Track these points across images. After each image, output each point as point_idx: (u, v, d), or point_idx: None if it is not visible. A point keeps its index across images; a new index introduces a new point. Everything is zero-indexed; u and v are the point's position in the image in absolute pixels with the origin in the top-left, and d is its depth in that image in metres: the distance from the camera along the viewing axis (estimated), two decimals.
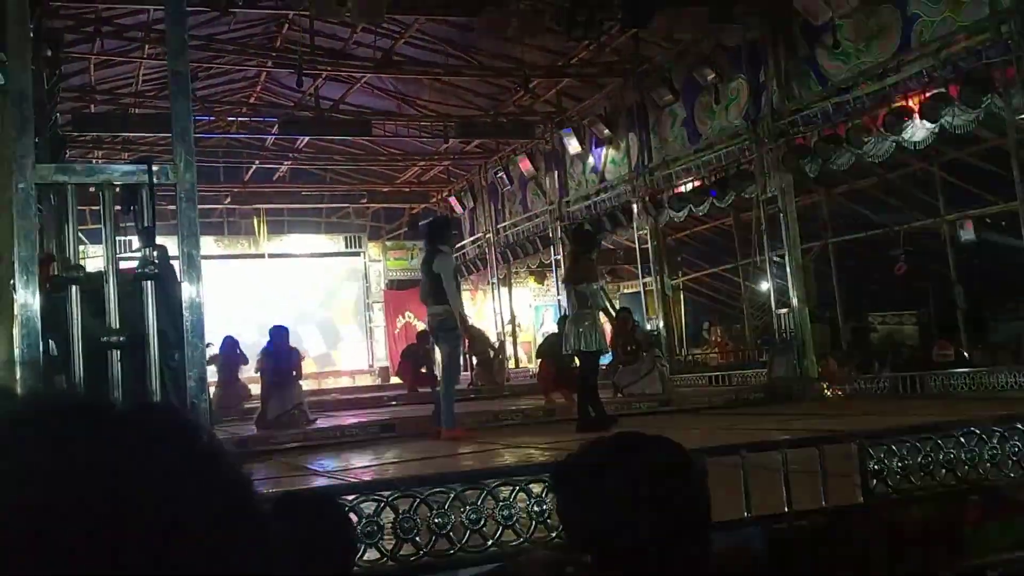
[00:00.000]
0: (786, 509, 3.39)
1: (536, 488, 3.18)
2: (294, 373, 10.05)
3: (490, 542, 3.07)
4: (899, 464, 3.58)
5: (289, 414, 9.65)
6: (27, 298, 2.80)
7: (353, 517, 2.97)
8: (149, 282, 2.89)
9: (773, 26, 11.41)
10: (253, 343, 12.96)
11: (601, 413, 8.22)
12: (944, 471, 3.64)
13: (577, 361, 8.82)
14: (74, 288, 2.84)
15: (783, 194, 11.32)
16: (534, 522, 3.12)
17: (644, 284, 14.59)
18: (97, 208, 3.04)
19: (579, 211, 15.96)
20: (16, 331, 2.82)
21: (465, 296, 21.24)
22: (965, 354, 11.36)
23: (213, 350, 11.90)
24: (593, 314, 8.25)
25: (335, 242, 21.57)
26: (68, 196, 2.88)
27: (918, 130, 9.67)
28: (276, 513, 1.82)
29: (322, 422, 10.10)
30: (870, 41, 10.32)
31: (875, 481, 3.55)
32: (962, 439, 3.72)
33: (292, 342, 10.47)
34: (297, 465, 7.05)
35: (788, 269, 11.28)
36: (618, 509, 1.42)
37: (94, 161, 16.80)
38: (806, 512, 3.39)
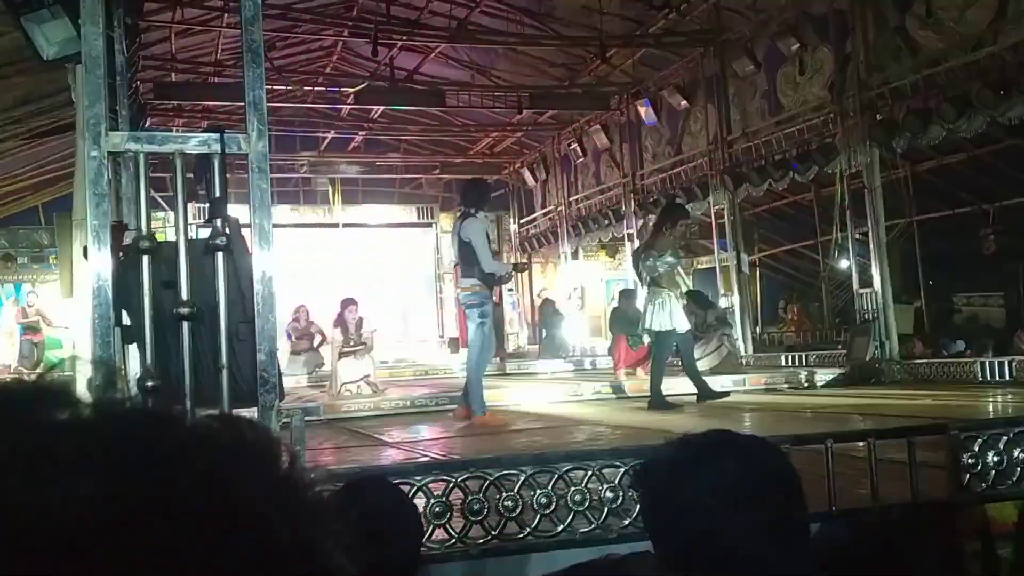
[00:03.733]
0: (873, 502, 3.23)
1: (609, 473, 3.08)
2: (364, 343, 10.12)
3: (561, 527, 2.98)
4: (995, 458, 3.39)
5: (358, 384, 9.73)
6: (100, 267, 2.79)
7: (422, 497, 2.91)
8: (220, 253, 2.85)
9: None
10: (326, 312, 13.09)
11: (659, 396, 8.02)
12: None
13: (646, 340, 8.68)
14: (146, 258, 2.82)
15: (868, 170, 10.91)
16: (607, 508, 3.02)
17: (719, 260, 14.28)
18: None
19: (654, 184, 15.70)
20: (89, 300, 2.81)
21: (535, 269, 21.24)
22: None
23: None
24: (666, 291, 8.06)
25: (408, 212, 21.63)
26: (140, 164, 2.86)
27: (1015, 105, 9.20)
28: (344, 501, 1.76)
29: (392, 391, 10.16)
30: (965, 10, 9.82)
31: (968, 476, 3.37)
32: None
33: (363, 312, 10.52)
34: (367, 435, 7.08)
35: (871, 247, 10.89)
36: (708, 515, 1.31)
37: (174, 129, 17.11)
38: (894, 506, 3.23)
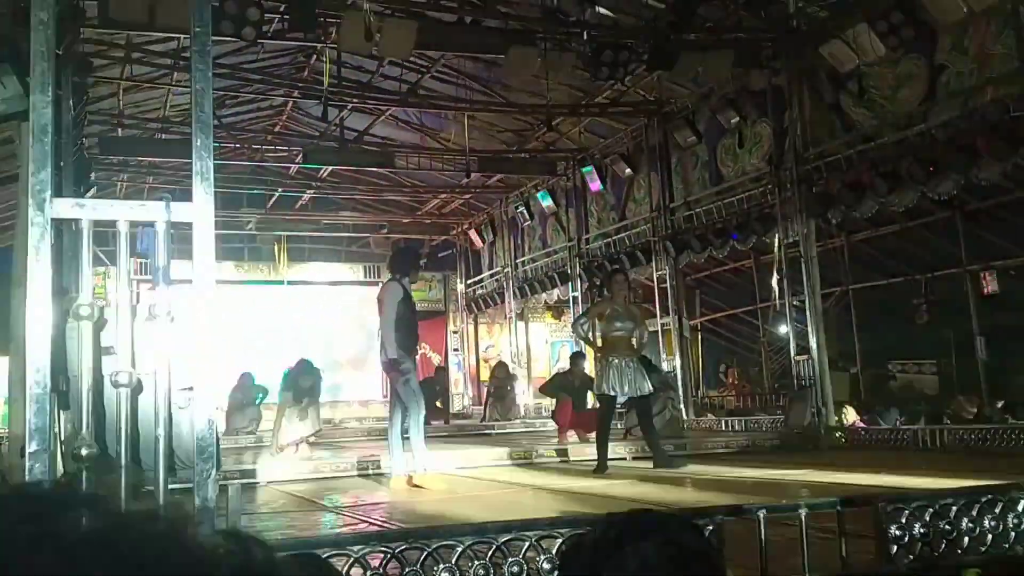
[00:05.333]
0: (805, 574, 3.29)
1: (547, 543, 3.10)
2: (306, 402, 10.01)
3: None
4: (921, 531, 3.48)
5: (299, 446, 9.63)
6: (39, 334, 2.77)
7: (358, 568, 2.90)
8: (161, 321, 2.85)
9: (799, 72, 11.38)
10: (270, 369, 13.01)
11: (601, 459, 8.15)
12: (968, 540, 3.54)
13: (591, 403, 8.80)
14: (87, 324, 2.81)
15: (804, 239, 11.24)
16: None
17: (662, 324, 14.47)
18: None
19: (599, 248, 15.93)
20: (27, 366, 2.79)
21: (481, 329, 21.26)
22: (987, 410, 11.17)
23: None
24: (611, 357, 8.17)
25: (354, 271, 21.60)
26: (84, 231, 2.86)
27: (943, 181, 9.58)
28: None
29: (335, 453, 10.04)
30: (896, 90, 10.27)
31: (896, 548, 3.45)
32: (987, 506, 3.62)
33: (308, 372, 10.41)
34: (306, 499, 6.99)
35: (808, 314, 11.16)
36: None
37: (119, 184, 16.95)
38: None
